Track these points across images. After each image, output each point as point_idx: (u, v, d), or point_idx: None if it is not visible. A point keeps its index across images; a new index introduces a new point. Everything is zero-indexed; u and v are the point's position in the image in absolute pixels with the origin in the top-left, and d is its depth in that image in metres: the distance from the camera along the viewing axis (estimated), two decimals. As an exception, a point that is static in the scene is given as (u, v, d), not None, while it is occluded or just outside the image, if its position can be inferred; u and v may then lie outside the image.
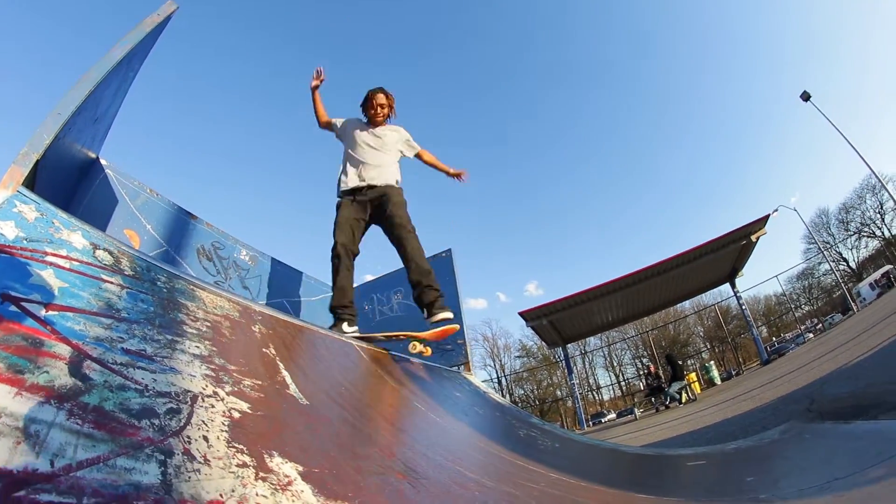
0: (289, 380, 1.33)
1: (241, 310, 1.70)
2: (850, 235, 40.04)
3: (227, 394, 1.01)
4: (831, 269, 30.97)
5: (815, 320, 29.92)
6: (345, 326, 3.13)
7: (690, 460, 3.03)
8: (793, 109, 66.72)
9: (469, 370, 4.59)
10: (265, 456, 0.84)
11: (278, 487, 0.76)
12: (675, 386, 13.87)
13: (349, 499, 0.84)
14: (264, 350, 1.49)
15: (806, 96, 20.43)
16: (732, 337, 39.46)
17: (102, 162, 3.44)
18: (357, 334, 3.16)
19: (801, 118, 67.24)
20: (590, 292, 18.09)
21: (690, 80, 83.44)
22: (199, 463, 0.73)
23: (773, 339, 36.99)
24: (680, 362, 16.67)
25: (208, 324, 1.36)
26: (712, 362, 25.86)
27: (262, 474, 0.78)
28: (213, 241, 4.36)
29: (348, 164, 3.60)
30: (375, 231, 3.62)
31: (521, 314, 19.04)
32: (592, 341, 43.57)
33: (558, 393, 43.95)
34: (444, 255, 5.39)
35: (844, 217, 40.26)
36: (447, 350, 4.69)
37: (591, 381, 49.36)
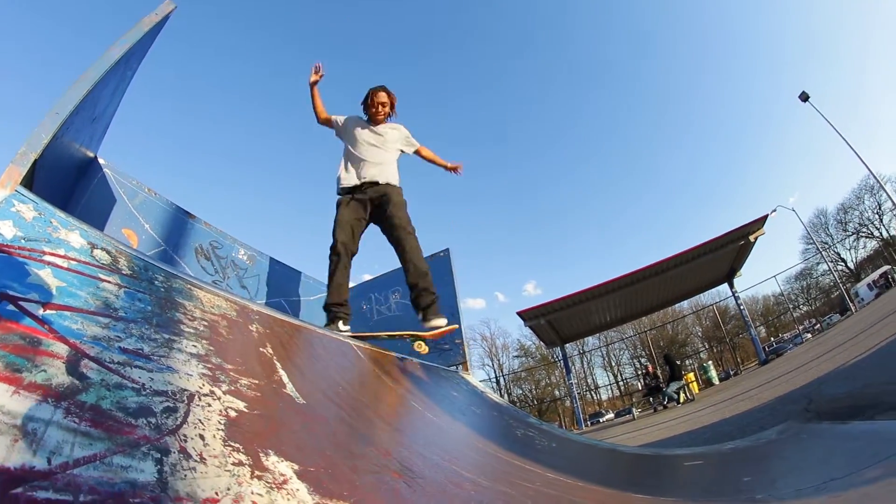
0: (286, 379, 1.34)
1: (239, 309, 1.71)
2: (849, 236, 40.14)
3: (224, 393, 1.02)
4: (829, 270, 31.02)
5: (814, 320, 30.04)
6: (340, 325, 3.14)
7: (688, 460, 3.04)
8: (792, 110, 67.20)
9: (467, 370, 4.59)
10: (261, 455, 0.84)
11: (273, 486, 0.77)
12: (673, 386, 13.90)
13: (344, 497, 0.84)
14: (261, 349, 1.50)
15: (805, 97, 20.45)
16: (730, 337, 39.54)
17: (100, 161, 3.44)
18: (355, 333, 3.17)
19: (800, 119, 67.56)
20: (588, 292, 18.11)
21: (690, 81, 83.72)
22: (195, 461, 0.74)
23: (772, 339, 37.12)
24: (678, 362, 16.70)
25: (205, 323, 1.36)
26: (710, 362, 25.84)
27: (257, 473, 0.78)
28: (212, 241, 4.36)
29: (349, 162, 3.61)
30: (374, 231, 3.63)
31: (520, 314, 19.06)
32: (591, 341, 43.64)
33: (556, 393, 44.01)
34: (441, 254, 5.40)
35: (843, 217, 40.39)
36: (445, 350, 4.70)
37: (589, 380, 49.48)
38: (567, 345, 22.98)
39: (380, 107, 3.71)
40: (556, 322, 19.77)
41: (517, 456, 2.13)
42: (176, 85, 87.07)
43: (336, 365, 2.13)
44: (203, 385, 1.00)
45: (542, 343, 27.19)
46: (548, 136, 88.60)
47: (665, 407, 13.84)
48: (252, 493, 0.73)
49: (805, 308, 41.20)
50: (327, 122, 3.83)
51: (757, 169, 76.24)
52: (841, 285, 25.08)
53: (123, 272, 1.29)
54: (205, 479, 0.71)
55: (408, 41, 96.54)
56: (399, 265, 3.45)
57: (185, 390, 0.94)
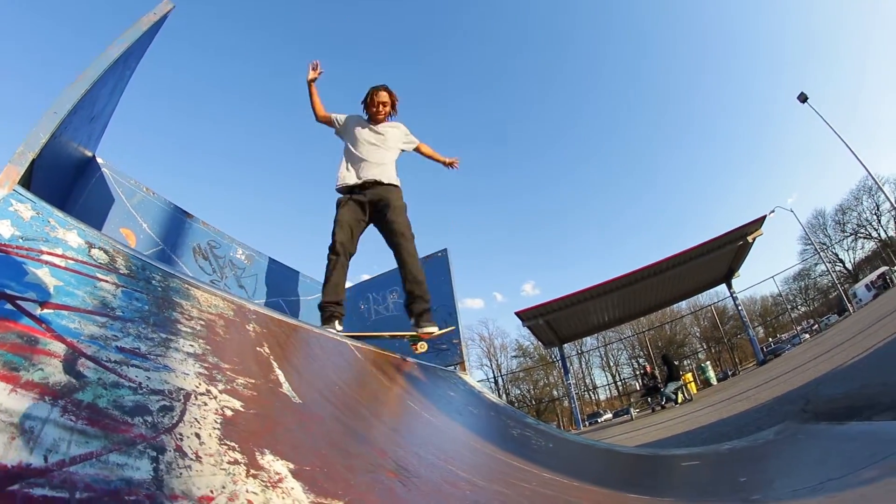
0: (282, 378, 1.34)
1: (236, 309, 1.71)
2: (847, 237, 40.26)
3: (220, 392, 1.02)
4: (828, 270, 31.14)
5: (812, 321, 30.10)
6: (337, 324, 3.15)
7: (685, 460, 3.04)
8: (790, 111, 67.24)
9: (464, 370, 4.60)
10: (256, 453, 0.85)
11: (269, 484, 0.77)
12: (672, 386, 13.93)
13: (339, 496, 0.85)
14: (258, 349, 1.50)
15: (803, 98, 20.49)
16: (729, 337, 39.60)
17: (99, 160, 3.44)
18: (354, 333, 3.19)
19: (799, 120, 67.79)
20: (586, 292, 18.13)
21: (690, 81, 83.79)
22: (191, 460, 0.74)
23: (770, 339, 37.13)
24: (676, 362, 16.76)
25: (202, 322, 1.37)
26: (708, 363, 25.92)
27: (252, 471, 0.79)
28: (210, 240, 4.36)
29: (349, 162, 3.61)
30: (373, 232, 3.65)
31: (518, 314, 19.07)
32: (589, 341, 43.71)
33: (555, 393, 44.05)
34: (439, 254, 5.40)
35: (841, 218, 40.47)
36: (442, 350, 4.70)
37: (587, 381, 49.50)
38: (565, 345, 23.04)
39: (380, 106, 3.72)
40: (555, 322, 19.79)
41: (514, 456, 2.13)
42: (175, 84, 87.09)
43: (333, 365, 2.13)
44: (199, 384, 1.00)
45: (540, 343, 27.19)
46: (547, 136, 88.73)
47: (663, 407, 13.86)
48: (247, 491, 0.73)
49: (803, 309, 41.34)
50: (326, 121, 3.83)
51: (755, 170, 76.51)
52: (839, 286, 25.11)
53: (121, 271, 1.29)
54: (200, 478, 0.71)
55: (408, 41, 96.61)
56: (397, 266, 3.47)
57: (182, 389, 0.94)
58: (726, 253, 17.19)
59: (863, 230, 39.19)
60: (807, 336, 21.38)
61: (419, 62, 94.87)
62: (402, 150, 3.87)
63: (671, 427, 6.63)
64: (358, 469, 1.08)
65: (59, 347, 0.83)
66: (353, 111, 3.83)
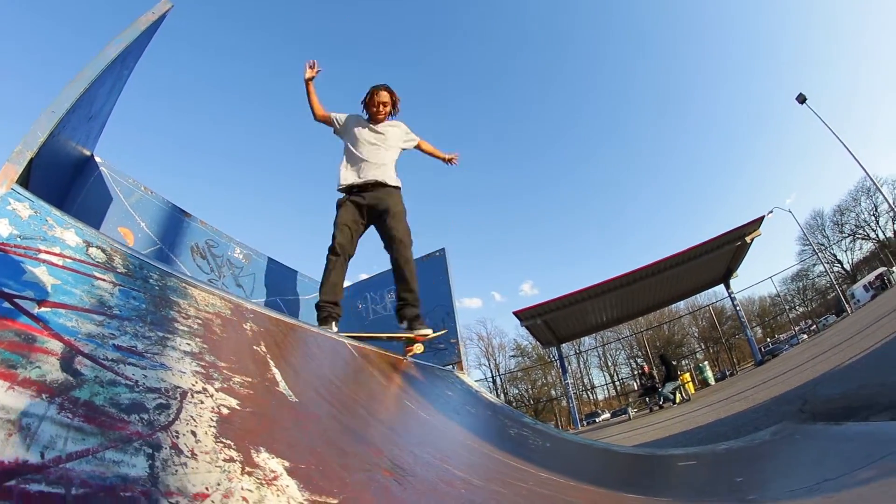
0: (279, 377, 1.35)
1: (233, 307, 1.72)
2: (845, 237, 40.34)
3: (217, 390, 1.03)
4: (826, 271, 31.20)
5: (810, 321, 30.13)
6: (333, 325, 3.16)
7: (681, 460, 3.05)
8: (789, 111, 67.30)
9: (462, 369, 4.60)
10: (252, 451, 0.85)
11: (264, 482, 0.78)
12: (669, 386, 13.96)
13: (334, 494, 0.85)
14: (255, 348, 1.51)
15: (802, 98, 20.53)
16: (727, 338, 39.68)
17: (97, 160, 3.43)
18: (353, 333, 3.19)
19: (798, 120, 67.82)
20: (584, 292, 18.16)
21: (689, 81, 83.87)
22: (187, 457, 0.75)
23: (768, 339, 37.18)
24: (674, 362, 16.78)
25: (200, 321, 1.37)
26: (706, 363, 25.97)
27: (248, 469, 0.79)
28: (207, 239, 4.36)
29: (349, 162, 3.62)
30: (372, 231, 3.65)
31: (516, 314, 19.09)
32: (587, 341, 43.76)
33: (553, 392, 44.09)
34: (437, 254, 5.40)
35: (839, 219, 40.57)
36: (440, 349, 4.71)
37: (585, 380, 49.51)
38: (563, 345, 23.09)
39: (381, 106, 3.71)
40: (553, 322, 19.82)
41: (511, 455, 2.14)
42: (175, 84, 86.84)
43: (330, 364, 2.14)
44: (196, 382, 1.01)
45: (538, 343, 27.23)
46: (547, 135, 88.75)
47: (661, 407, 13.88)
48: (242, 488, 0.74)
49: (801, 309, 41.40)
50: (325, 120, 3.82)
51: (754, 170, 76.62)
52: (837, 286, 25.23)
53: (118, 270, 1.29)
54: (195, 475, 0.72)
55: (408, 41, 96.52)
56: (392, 270, 3.50)
57: (178, 387, 0.95)
58: (725, 253, 17.23)
59: (861, 231, 39.32)
60: (805, 336, 21.43)
61: (419, 62, 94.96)
62: (403, 149, 3.88)
63: (669, 427, 6.64)
64: (353, 467, 1.08)
65: (56, 345, 0.83)
66: (354, 111, 3.84)
